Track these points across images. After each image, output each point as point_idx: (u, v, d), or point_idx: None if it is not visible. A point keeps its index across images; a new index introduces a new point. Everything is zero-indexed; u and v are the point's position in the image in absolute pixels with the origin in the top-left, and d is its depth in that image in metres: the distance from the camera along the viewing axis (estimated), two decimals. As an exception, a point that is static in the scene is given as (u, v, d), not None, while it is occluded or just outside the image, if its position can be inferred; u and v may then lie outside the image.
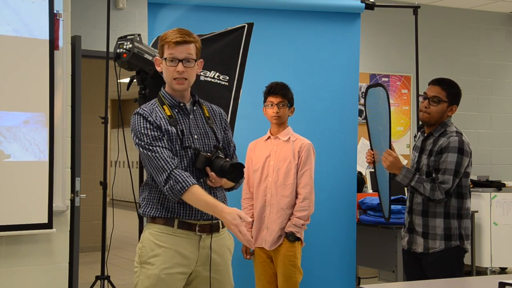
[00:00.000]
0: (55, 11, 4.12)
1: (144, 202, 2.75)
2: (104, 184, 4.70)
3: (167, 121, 2.71)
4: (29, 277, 4.09)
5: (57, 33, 4.14)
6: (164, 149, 2.65)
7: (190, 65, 2.70)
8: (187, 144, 2.70)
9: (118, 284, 5.65)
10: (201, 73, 3.46)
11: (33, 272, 4.11)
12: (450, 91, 3.50)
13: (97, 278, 4.58)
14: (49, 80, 4.06)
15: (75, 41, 4.62)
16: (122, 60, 3.29)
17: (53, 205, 4.07)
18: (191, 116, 2.77)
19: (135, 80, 3.40)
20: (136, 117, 2.71)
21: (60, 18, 4.16)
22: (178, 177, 2.60)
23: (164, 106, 2.74)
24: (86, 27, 5.79)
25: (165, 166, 2.62)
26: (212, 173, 2.67)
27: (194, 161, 2.69)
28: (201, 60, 2.79)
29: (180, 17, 4.23)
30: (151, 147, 2.65)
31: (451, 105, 3.50)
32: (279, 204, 3.84)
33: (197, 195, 2.60)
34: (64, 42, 4.19)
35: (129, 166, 3.71)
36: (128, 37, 3.32)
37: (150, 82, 3.42)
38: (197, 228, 2.69)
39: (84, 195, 4.67)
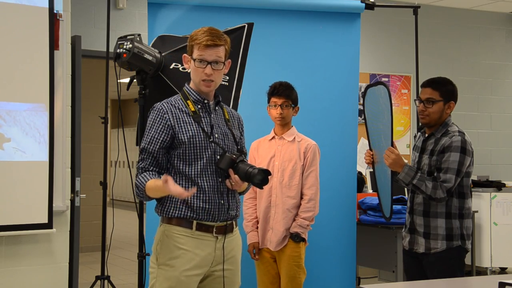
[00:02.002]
0: (55, 11, 4.12)
1: (165, 201, 2.71)
2: (104, 184, 4.70)
3: (190, 117, 2.72)
4: (29, 277, 4.09)
5: (57, 33, 4.14)
6: (151, 165, 2.70)
7: (219, 68, 2.72)
8: (212, 140, 2.71)
9: (118, 284, 5.66)
10: (201, 73, 3.46)
11: (33, 272, 4.11)
12: (442, 89, 3.48)
13: (97, 278, 4.58)
14: (49, 79, 4.06)
15: (75, 41, 4.62)
16: (122, 60, 3.29)
17: (53, 205, 4.07)
18: (212, 115, 2.78)
19: (135, 80, 3.40)
20: (153, 113, 2.72)
21: (60, 18, 4.16)
22: (137, 182, 2.69)
23: (188, 101, 2.75)
24: (86, 27, 5.79)
25: (139, 181, 2.69)
26: (236, 176, 2.67)
27: (219, 161, 2.69)
28: (229, 60, 2.82)
29: (180, 17, 4.23)
30: (144, 155, 2.71)
31: (448, 102, 3.49)
32: (284, 204, 3.82)
33: (152, 187, 2.64)
34: (64, 42, 4.19)
35: (129, 166, 3.71)
36: (128, 37, 3.32)
37: (150, 82, 3.42)
38: (214, 230, 2.70)
39: (84, 195, 4.67)
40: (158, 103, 2.76)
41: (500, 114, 7.97)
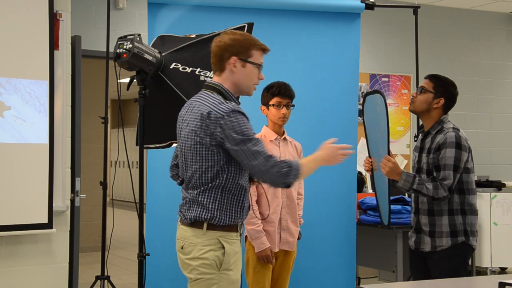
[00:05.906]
0: (55, 11, 4.12)
1: (217, 207, 2.69)
2: (104, 184, 4.70)
3: None
4: (29, 277, 4.09)
5: (57, 33, 4.14)
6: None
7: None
8: None
9: (118, 284, 5.66)
10: (201, 73, 3.46)
11: (33, 272, 4.11)
12: (437, 83, 3.55)
13: (97, 278, 4.58)
14: (49, 79, 4.06)
15: (75, 41, 4.62)
16: (122, 60, 3.29)
17: (53, 205, 4.07)
18: None
19: (135, 80, 3.40)
20: (242, 115, 2.68)
21: (60, 18, 4.16)
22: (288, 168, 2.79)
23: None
24: (86, 27, 5.79)
25: (290, 165, 2.85)
26: None
27: None
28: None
29: (180, 17, 4.23)
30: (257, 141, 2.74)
31: (438, 98, 3.52)
32: (297, 204, 3.86)
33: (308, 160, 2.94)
34: (64, 42, 4.19)
35: (129, 166, 3.71)
36: (128, 37, 3.32)
37: (150, 82, 3.42)
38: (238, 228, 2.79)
39: (84, 195, 4.67)
40: (237, 106, 2.69)
41: (500, 114, 7.97)
